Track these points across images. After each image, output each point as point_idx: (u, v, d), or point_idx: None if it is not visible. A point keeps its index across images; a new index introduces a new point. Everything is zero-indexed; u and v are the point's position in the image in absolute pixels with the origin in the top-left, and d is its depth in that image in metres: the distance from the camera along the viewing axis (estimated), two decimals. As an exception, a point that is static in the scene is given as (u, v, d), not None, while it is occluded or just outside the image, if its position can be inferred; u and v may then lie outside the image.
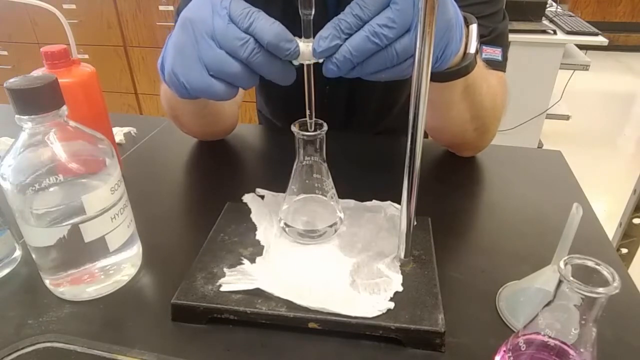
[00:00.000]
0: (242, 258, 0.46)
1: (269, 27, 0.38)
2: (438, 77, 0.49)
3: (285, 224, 0.49)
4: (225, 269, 0.44)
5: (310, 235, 0.48)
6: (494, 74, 0.63)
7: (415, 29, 0.36)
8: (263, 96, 0.91)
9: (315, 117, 0.44)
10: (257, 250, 0.47)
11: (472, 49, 0.50)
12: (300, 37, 0.39)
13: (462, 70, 0.50)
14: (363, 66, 0.40)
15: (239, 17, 0.39)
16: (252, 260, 0.46)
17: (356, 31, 0.38)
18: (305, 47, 0.39)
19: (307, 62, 0.41)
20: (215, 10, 0.40)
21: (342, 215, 0.50)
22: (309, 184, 0.48)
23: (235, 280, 0.43)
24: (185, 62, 0.41)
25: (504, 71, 0.66)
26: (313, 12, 0.38)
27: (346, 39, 0.38)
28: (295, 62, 0.41)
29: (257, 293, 0.41)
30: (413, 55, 0.36)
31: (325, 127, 0.45)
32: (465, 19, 0.51)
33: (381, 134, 0.83)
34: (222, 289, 0.42)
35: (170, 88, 0.44)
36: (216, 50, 0.40)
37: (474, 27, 0.51)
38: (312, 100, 0.43)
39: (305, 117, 0.44)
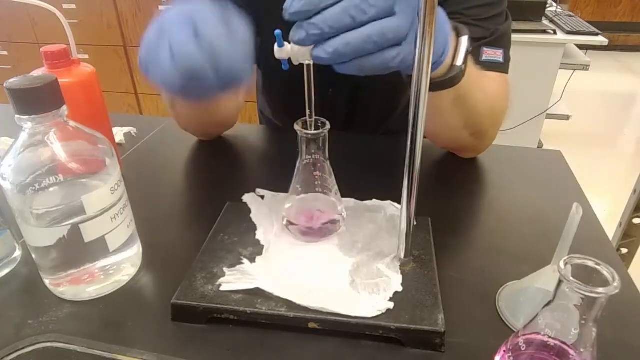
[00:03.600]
0: (242, 258, 0.46)
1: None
2: None
3: (289, 221, 0.49)
4: (225, 269, 0.44)
5: (312, 232, 0.48)
6: (494, 78, 0.62)
7: (403, 16, 0.35)
8: (265, 98, 0.91)
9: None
10: (257, 250, 0.47)
11: (459, 62, 0.50)
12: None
13: (447, 82, 0.50)
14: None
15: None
16: (252, 260, 0.46)
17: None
18: (305, 47, 0.39)
19: (307, 62, 0.40)
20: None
21: (344, 213, 0.50)
22: (312, 182, 0.48)
23: (235, 280, 0.43)
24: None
25: (507, 72, 0.65)
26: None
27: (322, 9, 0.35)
28: (295, 62, 0.41)
29: (257, 293, 0.41)
30: (397, 46, 0.35)
31: (328, 126, 0.45)
32: (457, 30, 0.51)
33: (382, 135, 0.83)
34: (222, 288, 0.42)
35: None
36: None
37: (464, 39, 0.50)
38: (312, 99, 0.43)
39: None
